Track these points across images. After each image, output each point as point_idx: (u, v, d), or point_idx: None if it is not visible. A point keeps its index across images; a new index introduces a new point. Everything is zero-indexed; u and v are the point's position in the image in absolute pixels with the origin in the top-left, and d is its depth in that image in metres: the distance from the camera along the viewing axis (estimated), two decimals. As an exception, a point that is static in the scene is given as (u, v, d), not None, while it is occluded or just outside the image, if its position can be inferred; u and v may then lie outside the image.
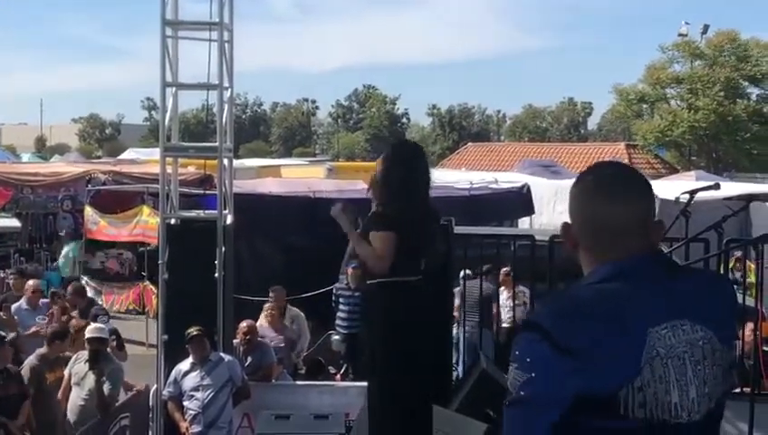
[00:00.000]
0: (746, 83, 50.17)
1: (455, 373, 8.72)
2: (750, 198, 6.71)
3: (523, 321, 2.60)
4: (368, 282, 5.49)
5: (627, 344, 2.29)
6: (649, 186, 2.56)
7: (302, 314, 12.10)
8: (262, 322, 11.21)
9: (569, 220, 2.57)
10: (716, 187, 6.57)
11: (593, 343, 2.26)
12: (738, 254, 12.41)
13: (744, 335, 8.28)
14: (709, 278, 2.70)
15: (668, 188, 16.89)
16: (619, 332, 2.29)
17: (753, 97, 50.97)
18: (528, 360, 2.31)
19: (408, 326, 5.20)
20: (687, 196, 6.19)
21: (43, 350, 9.34)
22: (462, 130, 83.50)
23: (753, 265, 10.89)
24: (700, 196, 6.30)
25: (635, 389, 2.28)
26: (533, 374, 2.29)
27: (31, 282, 12.09)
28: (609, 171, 2.58)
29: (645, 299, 2.36)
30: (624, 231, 2.42)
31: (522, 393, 2.31)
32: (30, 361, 9.36)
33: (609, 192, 2.46)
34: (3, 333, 9.53)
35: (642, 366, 2.29)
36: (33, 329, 11.00)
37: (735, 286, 8.87)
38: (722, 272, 7.30)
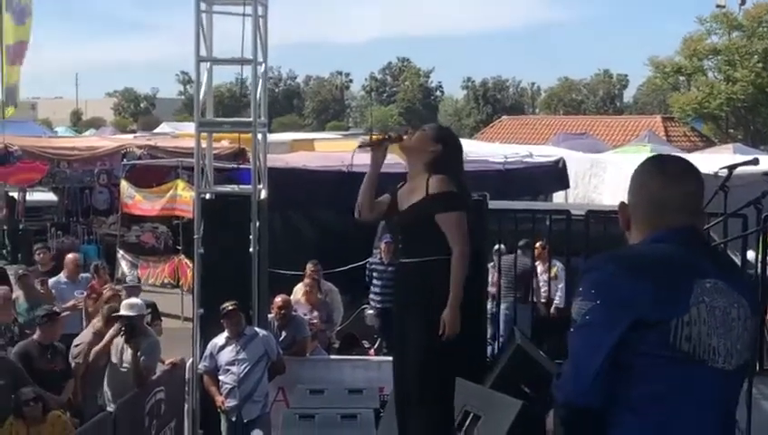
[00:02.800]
0: (785, 55, 49.46)
1: (489, 349, 8.71)
2: (790, 172, 6.63)
3: (585, 265, 2.87)
4: (404, 260, 5.46)
5: (677, 286, 2.64)
6: (698, 173, 2.91)
7: (336, 288, 12.10)
8: (298, 296, 11.23)
9: (625, 201, 2.95)
10: (755, 162, 6.47)
11: (648, 282, 2.62)
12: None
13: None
14: (735, 262, 3.22)
15: (706, 162, 16.74)
16: (669, 275, 2.65)
17: (792, 68, 50.26)
18: (593, 291, 2.67)
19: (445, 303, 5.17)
20: (726, 171, 6.10)
21: (99, 325, 9.41)
22: (496, 103, 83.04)
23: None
24: (738, 170, 6.21)
25: (683, 322, 2.60)
26: (598, 301, 2.65)
27: (70, 255, 12.12)
28: (666, 159, 3.04)
29: (693, 256, 2.72)
30: (678, 208, 2.80)
31: (587, 318, 2.66)
32: (85, 336, 9.44)
33: (670, 176, 2.85)
34: (57, 309, 9.62)
35: (690, 306, 2.62)
36: (71, 303, 11.08)
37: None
38: (760, 247, 7.23)
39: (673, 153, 26.15)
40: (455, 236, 5.11)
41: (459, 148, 5.63)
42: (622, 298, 2.62)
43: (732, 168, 6.05)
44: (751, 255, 8.12)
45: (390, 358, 9.40)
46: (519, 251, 10.76)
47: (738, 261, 8.56)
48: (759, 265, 7.17)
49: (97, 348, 8.95)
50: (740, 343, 2.68)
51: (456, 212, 5.18)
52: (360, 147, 5.87)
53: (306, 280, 11.43)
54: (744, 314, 2.70)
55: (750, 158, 7.70)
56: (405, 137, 5.70)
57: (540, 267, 11.78)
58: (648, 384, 2.63)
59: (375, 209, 5.58)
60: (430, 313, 5.12)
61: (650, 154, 25.57)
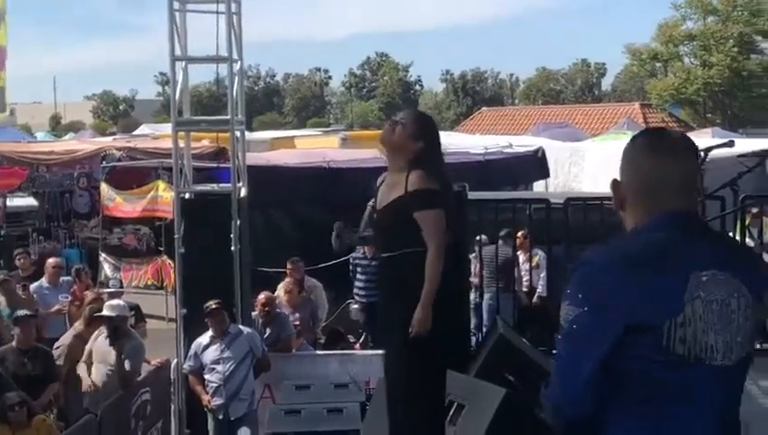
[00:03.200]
0: (760, 38, 49.78)
1: (474, 339, 8.74)
2: (765, 153, 6.65)
3: (574, 264, 2.64)
4: (384, 255, 5.45)
5: (670, 283, 2.49)
6: (697, 148, 2.78)
7: (320, 284, 12.09)
8: (280, 297, 11.22)
9: (617, 178, 2.74)
10: (731, 144, 6.51)
11: (639, 282, 2.48)
12: (755, 210, 12.40)
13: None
14: (737, 242, 3.03)
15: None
16: (662, 272, 2.50)
17: (767, 52, 50.54)
18: (580, 296, 2.53)
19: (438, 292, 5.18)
20: (702, 154, 6.14)
21: (80, 328, 9.38)
22: (475, 95, 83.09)
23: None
24: (715, 153, 6.25)
25: (677, 324, 2.47)
26: (585, 308, 2.51)
27: (50, 260, 12.07)
28: (662, 134, 2.82)
29: (688, 247, 2.56)
30: (674, 189, 2.62)
31: (574, 327, 2.53)
32: (66, 338, 9.43)
33: (663, 152, 2.66)
34: (29, 312, 9.59)
35: (684, 304, 2.48)
36: (56, 308, 11.04)
37: (752, 242, 8.88)
38: (738, 228, 7.28)
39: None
40: (430, 233, 5.09)
41: (439, 140, 5.57)
42: (610, 304, 2.49)
43: (707, 150, 6.08)
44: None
45: (376, 352, 9.47)
46: (500, 241, 10.79)
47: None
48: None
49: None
50: (740, 335, 2.56)
51: (433, 210, 5.15)
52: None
53: (286, 280, 11.41)
54: (745, 303, 2.57)
55: (725, 141, 7.75)
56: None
57: (521, 257, 11.81)
58: (643, 389, 2.53)
59: None
60: (408, 306, 5.12)
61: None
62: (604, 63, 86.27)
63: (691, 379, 2.52)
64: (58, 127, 74.89)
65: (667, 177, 2.62)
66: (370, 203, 5.53)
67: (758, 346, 6.48)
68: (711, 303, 2.52)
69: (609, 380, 2.53)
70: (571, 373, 2.56)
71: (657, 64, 53.04)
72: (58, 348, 9.30)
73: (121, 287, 10.63)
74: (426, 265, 5.09)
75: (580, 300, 2.52)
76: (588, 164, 19.24)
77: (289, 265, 11.65)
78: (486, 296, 10.75)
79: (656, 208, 2.62)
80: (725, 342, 2.53)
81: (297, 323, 10.82)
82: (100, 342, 8.88)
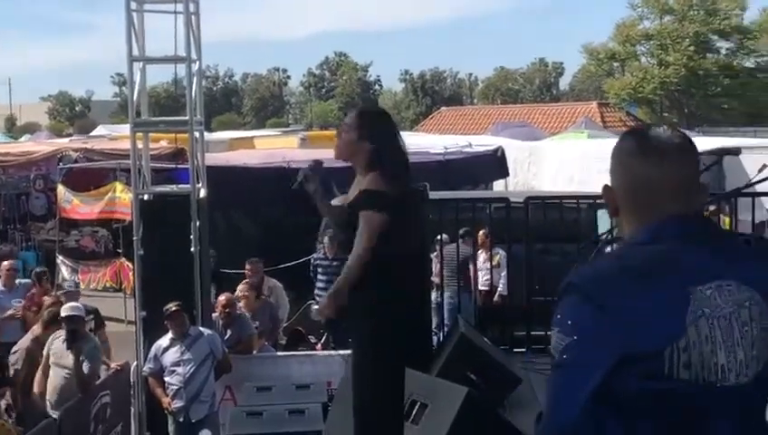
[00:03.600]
0: (716, 37, 50.31)
1: (435, 338, 8.74)
2: (722, 152, 6.70)
3: (563, 284, 2.36)
4: (346, 256, 5.39)
5: (670, 303, 2.25)
6: (694, 146, 2.50)
7: (280, 284, 12.05)
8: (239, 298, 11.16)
9: (609, 183, 2.49)
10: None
11: (636, 303, 2.23)
12: (712, 207, 12.53)
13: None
14: (756, 242, 2.61)
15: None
16: (661, 291, 2.25)
17: (723, 51, 51.16)
18: (569, 323, 2.29)
19: (393, 296, 5.15)
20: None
21: (38, 331, 9.29)
22: (435, 94, 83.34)
23: (726, 220, 10.96)
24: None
25: (680, 349, 2.23)
26: (575, 337, 2.27)
27: (5, 263, 11.86)
28: (653, 133, 2.50)
29: (689, 259, 2.31)
30: (669, 192, 2.36)
31: (564, 357, 2.29)
32: (24, 342, 9.32)
33: (654, 153, 2.40)
34: None
35: (687, 326, 2.24)
36: (10, 312, 10.88)
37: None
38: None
39: (612, 138, 26.46)
40: (361, 235, 5.01)
41: (390, 132, 5.33)
42: (602, 333, 2.23)
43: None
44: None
45: (337, 352, 9.46)
46: (460, 240, 10.83)
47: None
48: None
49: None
50: (756, 348, 2.29)
51: (370, 211, 5.03)
52: (292, 187, 5.66)
53: (241, 285, 11.28)
54: (758, 311, 2.30)
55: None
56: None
57: (482, 256, 11.84)
58: (645, 419, 2.28)
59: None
60: (367, 308, 5.10)
61: (587, 140, 25.72)
62: (562, 63, 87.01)
63: (700, 404, 2.26)
64: (14, 128, 74.01)
65: (659, 179, 2.36)
66: (335, 201, 5.47)
67: None
68: (718, 319, 2.26)
69: (608, 407, 2.29)
70: (565, 406, 2.31)
71: (615, 64, 53.46)
72: (15, 353, 9.19)
73: (77, 289, 10.49)
74: (348, 261, 5.04)
75: (570, 327, 2.29)
76: (546, 163, 19.37)
77: (248, 266, 11.61)
78: (447, 295, 10.76)
79: (650, 215, 2.38)
80: (739, 358, 2.27)
81: (257, 327, 10.76)
82: (57, 345, 8.78)
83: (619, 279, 2.28)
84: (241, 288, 11.18)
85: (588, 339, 2.26)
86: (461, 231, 10.54)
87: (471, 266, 10.21)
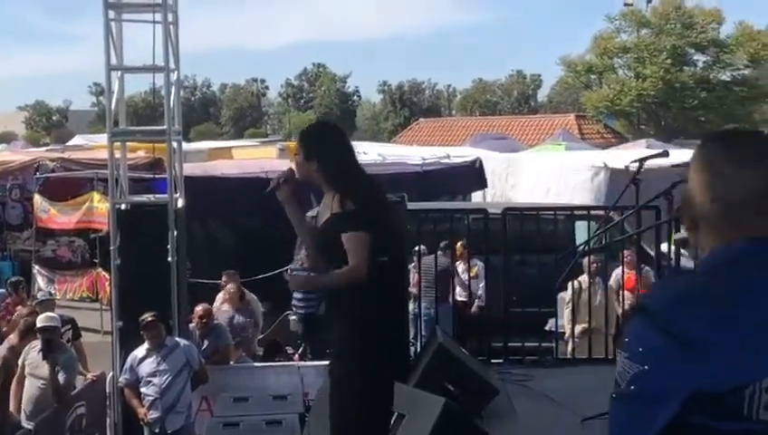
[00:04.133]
0: (692, 50, 50.65)
1: (412, 349, 8.75)
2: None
3: (635, 305, 1.95)
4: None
5: (754, 336, 1.97)
6: None
7: (255, 297, 12.01)
8: (222, 303, 11.15)
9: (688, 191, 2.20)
10: (665, 154, 6.61)
11: (717, 335, 1.96)
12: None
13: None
14: None
15: (620, 157, 17.07)
16: (744, 322, 1.98)
17: (700, 64, 51.51)
18: (640, 350, 2.03)
19: (374, 308, 5.14)
20: (637, 164, 6.22)
21: (14, 341, 9.23)
22: (413, 105, 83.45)
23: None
24: (650, 164, 6.34)
25: (762, 389, 1.96)
26: (646, 367, 2.01)
27: (-22, 273, 11.86)
28: (743, 137, 2.24)
29: None
30: (759, 207, 2.06)
31: (632, 388, 2.04)
32: (0, 351, 9.26)
33: (746, 161, 2.10)
34: None
35: None
36: (-17, 321, 10.83)
37: (688, 251, 8.96)
38: (672, 238, 7.38)
39: (589, 150, 26.57)
40: (352, 255, 5.00)
41: (341, 148, 5.26)
42: (676, 365, 1.98)
43: (642, 160, 6.16)
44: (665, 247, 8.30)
45: (314, 363, 9.45)
46: (440, 252, 10.85)
47: (653, 253, 8.75)
48: (673, 255, 7.33)
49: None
50: None
51: (354, 232, 4.99)
52: (268, 191, 5.63)
53: (227, 287, 11.34)
54: None
55: (660, 150, 7.86)
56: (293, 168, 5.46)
57: (461, 267, 11.86)
58: None
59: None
60: (348, 326, 5.11)
61: (565, 152, 25.83)
62: (540, 75, 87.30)
63: None
64: (-10, 138, 73.63)
65: (752, 192, 2.06)
66: (310, 213, 5.47)
67: None
68: None
69: None
70: None
71: (592, 76, 53.72)
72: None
73: (51, 297, 10.43)
74: (342, 270, 5.03)
75: (640, 355, 2.03)
76: (524, 175, 19.43)
77: (224, 278, 11.60)
78: (424, 306, 10.77)
79: (735, 233, 2.08)
80: None
81: (243, 327, 10.80)
82: (33, 355, 8.73)
83: (699, 307, 2.01)
84: (227, 288, 11.23)
85: (659, 370, 2.00)
86: (441, 244, 10.57)
87: (451, 278, 10.24)
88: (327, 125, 5.78)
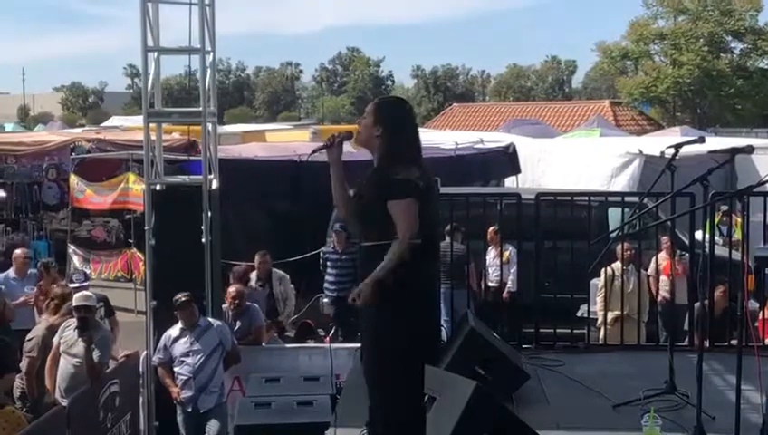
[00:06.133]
0: (730, 38, 50.19)
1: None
2: (734, 150, 6.69)
3: None
4: (364, 244, 5.38)
5: None
6: None
7: (287, 275, 12.05)
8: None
9: None
10: (701, 140, 6.53)
11: None
12: (725, 208, 12.52)
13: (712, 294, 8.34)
14: None
15: (655, 144, 16.96)
16: None
17: (737, 51, 51.03)
18: None
19: (410, 287, 5.16)
20: (672, 150, 6.17)
21: (51, 320, 9.33)
22: (447, 91, 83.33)
23: (738, 219, 10.96)
24: (685, 150, 6.28)
25: None
26: None
27: (18, 251, 11.92)
28: None
29: None
30: None
31: None
32: (38, 329, 9.36)
33: None
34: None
35: None
36: (22, 299, 10.93)
37: (721, 240, 8.96)
38: (708, 224, 7.34)
39: (624, 136, 26.23)
40: (400, 223, 5.02)
41: (407, 122, 5.40)
42: None
43: (678, 146, 6.10)
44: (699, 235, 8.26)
45: (346, 345, 9.48)
46: (447, 236, 10.91)
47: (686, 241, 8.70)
48: (707, 243, 7.29)
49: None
50: None
51: (406, 199, 5.09)
52: (314, 152, 5.73)
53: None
54: None
55: (696, 137, 7.80)
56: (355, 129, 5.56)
57: (492, 252, 11.86)
58: None
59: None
60: (382, 300, 5.10)
61: (599, 139, 25.69)
62: (575, 61, 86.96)
63: None
64: (27, 118, 74.27)
65: None
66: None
67: None
68: None
69: None
70: None
71: (628, 62, 53.35)
72: (31, 340, 9.23)
73: (86, 281, 10.51)
74: (390, 248, 5.03)
75: None
76: (558, 161, 19.34)
77: (258, 258, 11.66)
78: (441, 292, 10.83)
79: None
80: None
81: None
82: (68, 333, 8.82)
83: None
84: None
85: None
86: (447, 228, 10.57)
87: (465, 264, 10.23)
88: (404, 102, 5.84)
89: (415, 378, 5.16)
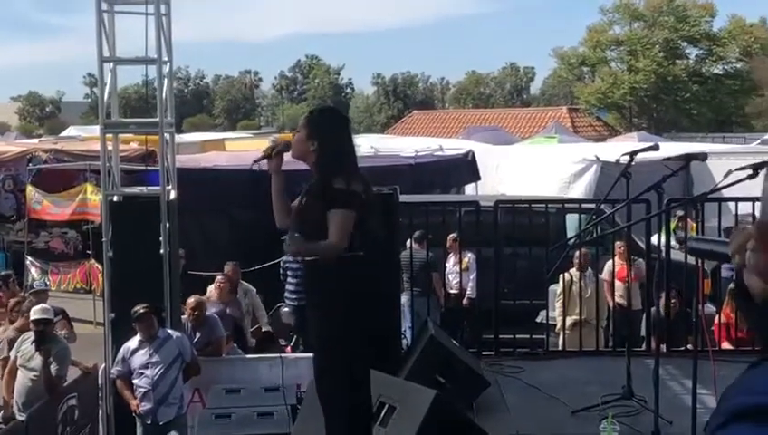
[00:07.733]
0: (685, 44, 50.82)
1: (403, 341, 8.78)
2: (689, 157, 6.79)
3: (732, 408, 1.34)
4: (307, 259, 5.38)
5: None
6: None
7: (253, 288, 12.03)
8: (211, 293, 11.18)
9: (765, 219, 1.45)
10: (655, 147, 6.63)
11: None
12: (680, 213, 12.65)
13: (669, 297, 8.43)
14: None
15: (612, 150, 17.11)
16: None
17: (692, 57, 51.63)
18: None
19: (360, 297, 5.15)
20: (628, 157, 6.25)
21: (11, 334, 9.24)
22: (406, 98, 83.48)
23: (694, 225, 11.09)
24: (640, 157, 6.36)
25: None
26: None
27: (-26, 263, 11.85)
28: None
29: None
30: None
31: None
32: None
33: None
34: None
35: None
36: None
37: (679, 245, 9.05)
38: (663, 231, 7.42)
39: (582, 143, 26.52)
40: (332, 229, 4.98)
41: (341, 133, 5.38)
42: None
43: (633, 154, 6.19)
44: (655, 239, 8.34)
45: (307, 355, 9.46)
46: (414, 243, 10.93)
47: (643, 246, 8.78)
48: (663, 248, 7.38)
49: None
50: None
51: (342, 210, 5.02)
52: (254, 162, 5.73)
53: (217, 278, 11.38)
54: None
55: (650, 144, 7.90)
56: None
57: (452, 259, 11.90)
58: None
59: (291, 213, 5.49)
60: (328, 311, 5.10)
61: (557, 145, 25.88)
62: (533, 67, 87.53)
63: None
64: (-18, 129, 73.44)
65: None
66: (293, 204, 5.48)
67: None
68: None
69: None
70: None
71: (585, 69, 53.82)
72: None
73: (46, 287, 10.41)
74: (320, 242, 5.04)
75: None
76: (516, 167, 19.46)
77: (227, 268, 11.61)
78: (404, 300, 10.84)
79: None
80: None
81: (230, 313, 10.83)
82: (25, 347, 8.74)
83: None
84: (218, 279, 11.24)
85: None
86: (415, 234, 10.59)
87: (430, 271, 10.27)
88: (337, 112, 5.82)
89: (357, 393, 5.14)
